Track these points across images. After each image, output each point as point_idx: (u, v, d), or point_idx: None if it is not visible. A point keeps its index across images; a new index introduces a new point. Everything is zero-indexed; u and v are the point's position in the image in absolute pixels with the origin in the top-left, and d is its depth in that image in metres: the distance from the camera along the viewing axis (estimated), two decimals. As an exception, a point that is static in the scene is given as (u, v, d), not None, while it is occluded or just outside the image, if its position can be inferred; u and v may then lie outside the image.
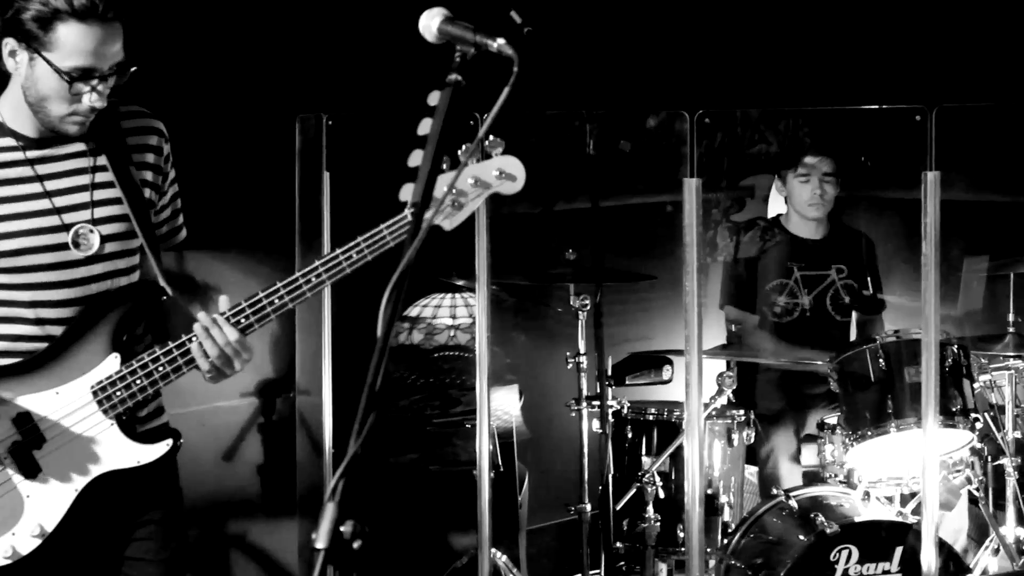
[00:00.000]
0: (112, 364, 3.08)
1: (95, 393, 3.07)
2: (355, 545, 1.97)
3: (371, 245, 3.04)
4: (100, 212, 3.11)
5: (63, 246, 3.09)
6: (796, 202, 5.71)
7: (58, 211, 3.08)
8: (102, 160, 3.13)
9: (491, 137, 2.89)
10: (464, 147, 2.72)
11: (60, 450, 3.06)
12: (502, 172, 2.98)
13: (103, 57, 2.96)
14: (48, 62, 2.94)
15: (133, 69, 3.02)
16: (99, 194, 3.12)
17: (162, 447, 3.13)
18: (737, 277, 5.80)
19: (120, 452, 3.09)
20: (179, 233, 3.37)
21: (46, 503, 3.06)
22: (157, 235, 3.25)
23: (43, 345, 3.09)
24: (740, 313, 5.74)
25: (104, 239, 3.12)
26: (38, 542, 3.05)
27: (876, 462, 4.83)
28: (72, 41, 2.92)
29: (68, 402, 3.07)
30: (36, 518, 3.05)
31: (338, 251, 3.06)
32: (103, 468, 3.09)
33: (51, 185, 3.08)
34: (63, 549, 3.08)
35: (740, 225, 6.11)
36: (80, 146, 3.12)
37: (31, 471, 3.05)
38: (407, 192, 3.01)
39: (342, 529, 1.96)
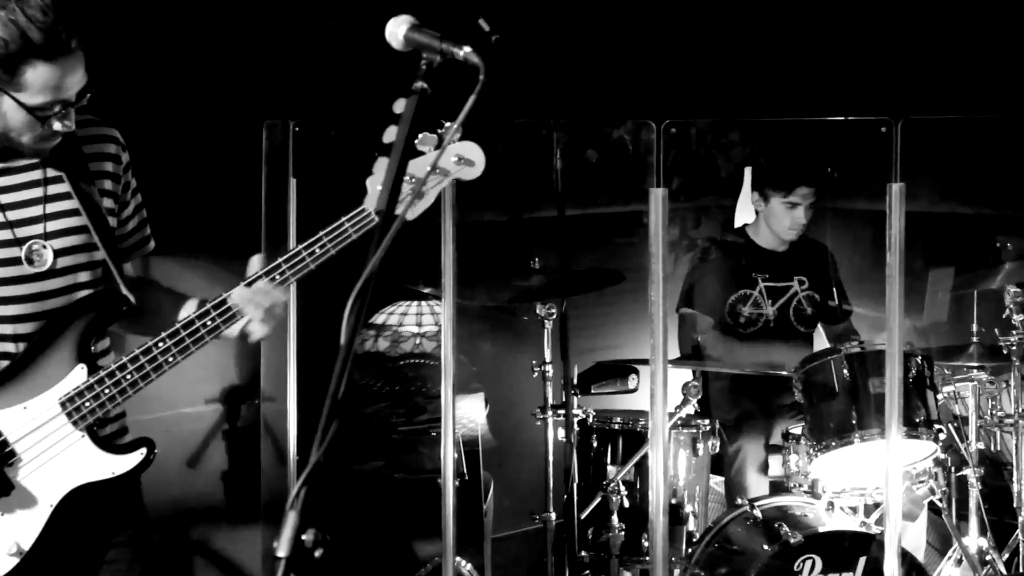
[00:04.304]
0: (79, 375, 3.04)
1: (63, 405, 3.02)
2: (316, 554, 1.96)
3: (333, 239, 3.04)
4: (53, 226, 3.07)
5: (16, 261, 3.03)
6: (776, 224, 5.72)
7: (11, 225, 3.03)
8: (56, 172, 3.08)
9: (447, 124, 2.88)
10: (421, 136, 2.73)
11: (32, 465, 3.02)
12: (460, 158, 3.02)
13: (70, 88, 2.91)
14: (15, 100, 2.88)
15: (89, 96, 2.96)
16: (52, 207, 3.07)
17: (136, 457, 3.08)
18: (692, 285, 5.82)
19: (93, 464, 3.05)
20: (147, 244, 3.32)
21: (21, 521, 3.01)
22: (121, 246, 3.21)
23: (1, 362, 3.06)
24: (693, 313, 5.75)
25: (57, 253, 3.07)
26: (16, 561, 3.00)
27: (840, 472, 4.85)
28: (41, 81, 2.85)
29: (37, 416, 3.02)
30: (12, 536, 3.00)
31: (300, 246, 3.05)
32: (77, 481, 3.04)
33: (5, 199, 3.03)
34: (41, 566, 3.03)
35: (692, 243, 6.15)
36: (34, 159, 3.07)
37: (3, 489, 3.00)
38: (372, 201, 3.02)
39: (303, 538, 1.95)
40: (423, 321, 5.92)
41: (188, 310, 3.12)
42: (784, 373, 5.09)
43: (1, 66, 2.83)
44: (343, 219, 3.04)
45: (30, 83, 2.86)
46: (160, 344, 3.02)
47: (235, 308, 3.03)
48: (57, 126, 2.94)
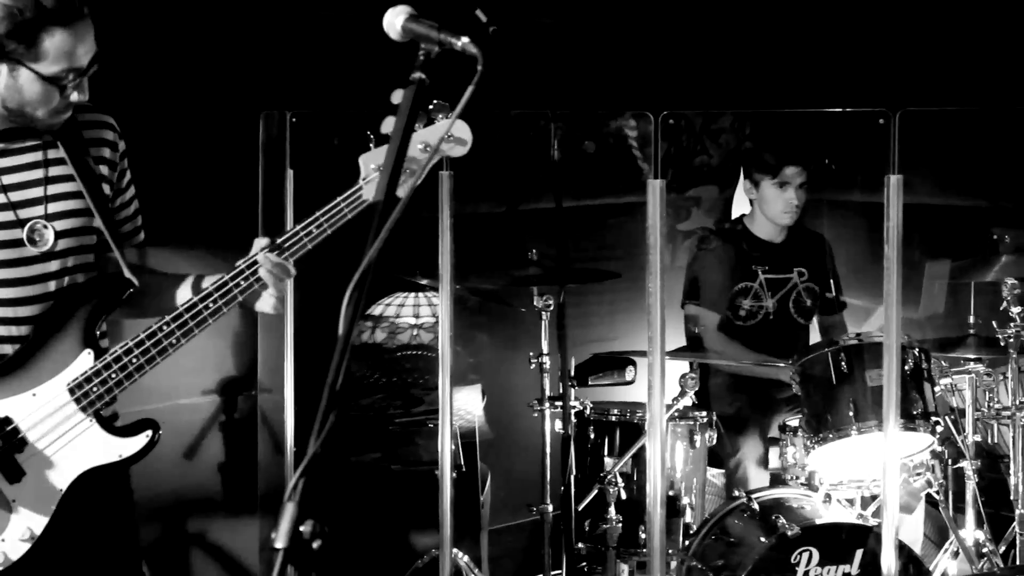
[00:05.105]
0: (86, 360, 3.06)
1: (72, 391, 3.04)
2: (314, 545, 1.96)
3: (330, 219, 3.08)
4: (54, 207, 3.08)
5: (18, 242, 3.05)
6: (769, 209, 5.72)
7: (13, 206, 3.04)
8: (58, 153, 3.09)
9: (435, 101, 2.90)
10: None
11: (42, 452, 3.04)
12: (450, 135, 3.05)
13: (82, 56, 2.93)
14: (33, 71, 2.89)
15: (98, 65, 2.99)
16: (53, 188, 3.09)
17: (142, 439, 3.10)
18: (695, 278, 5.82)
19: (101, 448, 3.07)
20: (138, 234, 3.33)
21: (33, 506, 3.03)
22: (120, 231, 3.23)
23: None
24: (699, 310, 5.75)
25: (58, 235, 3.08)
26: (28, 546, 3.02)
27: (837, 464, 4.85)
28: (57, 48, 2.88)
29: (46, 402, 3.04)
30: (24, 522, 3.02)
31: (297, 227, 3.09)
32: (86, 465, 3.06)
33: (7, 179, 3.05)
34: (52, 551, 3.05)
35: (683, 235, 6.15)
36: (35, 140, 3.08)
37: (14, 475, 3.02)
38: (370, 189, 3.03)
39: (301, 529, 1.95)
40: (420, 312, 5.91)
41: (186, 292, 3.15)
42: (781, 365, 5.09)
43: (18, 36, 2.86)
44: (339, 199, 3.08)
45: (48, 51, 2.88)
46: (164, 327, 3.05)
47: (243, 284, 3.07)
48: (74, 96, 2.97)
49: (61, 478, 3.05)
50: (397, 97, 2.30)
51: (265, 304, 3.14)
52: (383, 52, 2.49)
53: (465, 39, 2.26)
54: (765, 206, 5.73)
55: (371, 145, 3.02)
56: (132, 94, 4.01)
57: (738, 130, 7.03)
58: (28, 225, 3.05)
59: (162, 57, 5.01)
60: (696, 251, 5.94)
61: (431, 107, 2.91)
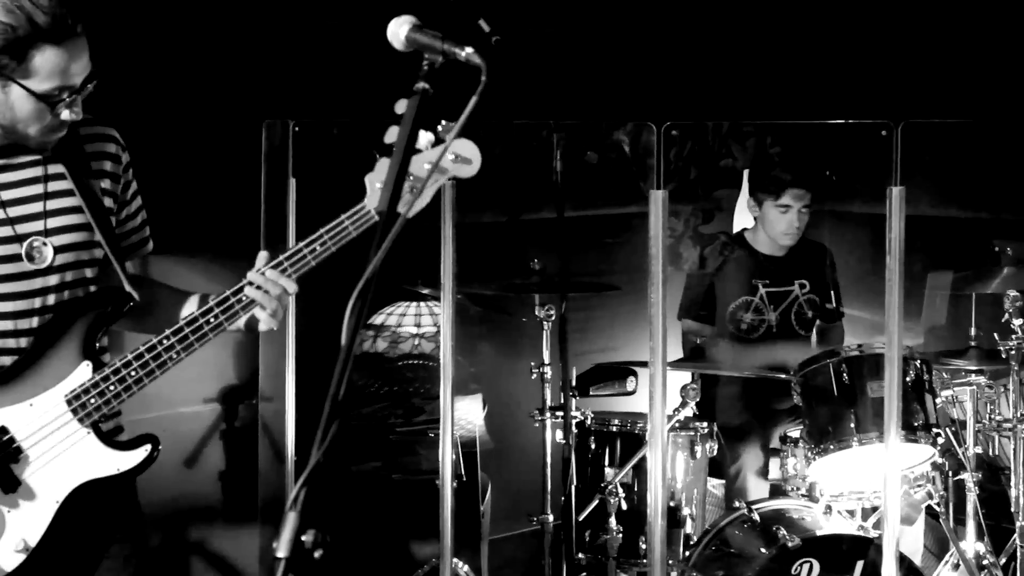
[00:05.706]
0: (84, 372, 3.05)
1: (69, 402, 3.03)
2: (316, 554, 1.96)
3: (334, 236, 3.05)
4: (54, 222, 3.07)
5: (16, 257, 3.03)
6: (771, 230, 5.72)
7: (11, 222, 3.03)
8: (58, 168, 3.08)
9: (444, 122, 2.89)
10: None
11: (38, 462, 3.02)
12: (457, 156, 3.02)
13: (76, 75, 2.91)
14: (24, 87, 2.88)
15: (94, 83, 2.98)
16: (53, 204, 3.07)
17: (140, 453, 3.09)
18: (695, 290, 5.82)
19: (99, 460, 3.06)
20: (146, 245, 3.32)
21: (28, 517, 3.02)
22: (122, 245, 3.22)
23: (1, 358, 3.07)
24: (697, 326, 5.76)
25: (57, 250, 3.07)
26: (22, 557, 3.01)
27: (838, 476, 4.84)
28: (49, 66, 2.86)
29: (43, 413, 3.02)
30: (19, 533, 3.01)
31: (301, 244, 3.07)
32: (83, 478, 3.05)
33: (6, 195, 3.03)
34: (46, 562, 3.04)
35: (704, 238, 6.13)
36: (35, 155, 3.07)
37: (10, 486, 3.00)
38: (372, 199, 3.04)
39: (303, 538, 1.95)
40: (422, 322, 5.92)
41: (191, 307, 3.14)
42: (784, 376, 5.09)
43: (9, 52, 2.84)
44: (343, 216, 3.06)
45: (39, 68, 2.87)
46: (164, 341, 3.03)
47: (249, 297, 3.05)
48: (65, 114, 2.95)
49: (57, 489, 3.03)
50: (401, 107, 2.30)
51: (263, 324, 3.13)
52: (387, 62, 2.49)
53: (469, 50, 2.27)
54: (767, 225, 5.74)
55: (376, 165, 3.01)
56: (135, 103, 4.02)
57: (765, 130, 7.00)
58: (27, 241, 3.04)
59: (165, 66, 5.01)
60: (719, 258, 5.91)
61: (440, 128, 2.89)
